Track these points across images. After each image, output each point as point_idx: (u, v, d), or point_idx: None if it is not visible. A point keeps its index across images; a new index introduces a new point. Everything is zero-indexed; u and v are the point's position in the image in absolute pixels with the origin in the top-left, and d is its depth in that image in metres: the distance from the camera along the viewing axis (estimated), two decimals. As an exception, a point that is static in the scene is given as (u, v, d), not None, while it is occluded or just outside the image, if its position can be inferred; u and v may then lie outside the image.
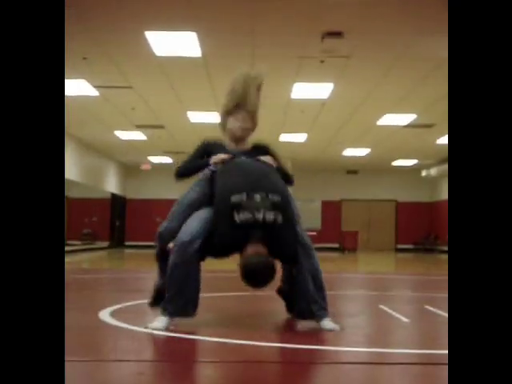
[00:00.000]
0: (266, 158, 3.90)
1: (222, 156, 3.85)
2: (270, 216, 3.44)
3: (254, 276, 3.44)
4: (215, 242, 3.58)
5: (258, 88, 4.03)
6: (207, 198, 3.76)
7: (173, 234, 3.76)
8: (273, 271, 3.45)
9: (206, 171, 3.89)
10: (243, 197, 3.46)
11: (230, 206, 3.46)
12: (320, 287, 3.75)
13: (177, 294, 3.61)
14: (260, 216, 3.42)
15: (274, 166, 3.87)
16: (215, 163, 3.83)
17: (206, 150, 4.03)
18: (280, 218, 3.47)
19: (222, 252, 3.68)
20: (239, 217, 3.43)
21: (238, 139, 4.03)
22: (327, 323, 3.70)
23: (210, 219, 3.63)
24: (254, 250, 3.43)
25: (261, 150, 4.03)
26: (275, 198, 3.50)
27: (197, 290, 3.70)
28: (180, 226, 3.72)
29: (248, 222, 3.42)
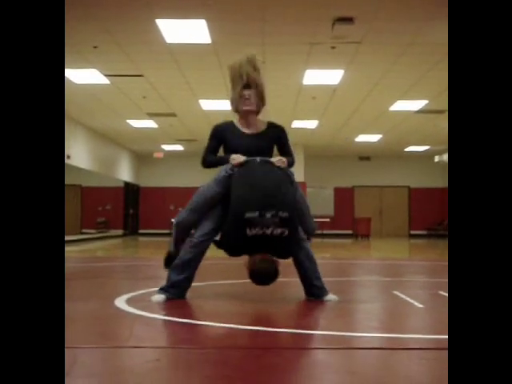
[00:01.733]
0: (276, 159, 4.25)
1: (240, 159, 4.16)
2: (278, 231, 3.96)
3: (260, 278, 4.13)
4: (225, 247, 4.17)
5: (254, 67, 4.33)
6: (222, 197, 4.18)
7: (190, 225, 4.32)
8: (276, 275, 4.10)
9: (225, 171, 4.19)
10: (256, 214, 3.92)
11: (243, 221, 3.92)
12: (315, 270, 4.35)
13: (181, 282, 4.28)
14: (269, 231, 3.94)
15: (283, 165, 4.22)
16: (234, 165, 4.16)
17: (220, 135, 4.37)
18: (286, 232, 3.99)
19: (231, 252, 4.24)
20: (251, 231, 3.93)
21: (248, 119, 4.34)
22: (328, 297, 4.35)
23: (223, 216, 4.12)
24: (261, 255, 4.06)
25: (274, 132, 4.40)
26: (284, 214, 3.97)
27: (191, 281, 4.38)
28: (197, 220, 4.25)
29: (257, 235, 3.95)
